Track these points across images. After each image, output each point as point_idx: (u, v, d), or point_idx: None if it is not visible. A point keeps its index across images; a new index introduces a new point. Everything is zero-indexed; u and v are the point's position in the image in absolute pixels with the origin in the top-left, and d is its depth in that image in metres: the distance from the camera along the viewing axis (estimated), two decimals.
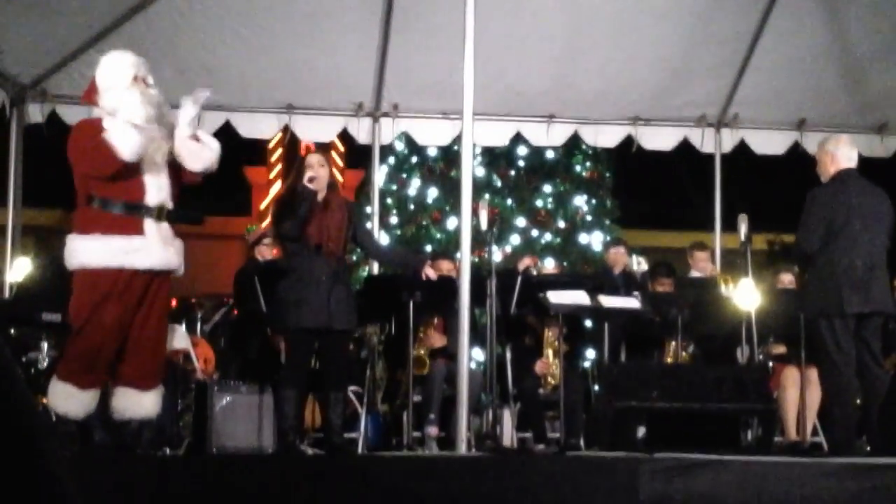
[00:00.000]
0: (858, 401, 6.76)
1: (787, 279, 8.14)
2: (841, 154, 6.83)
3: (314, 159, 6.64)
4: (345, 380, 6.85)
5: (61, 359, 5.75)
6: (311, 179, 6.46)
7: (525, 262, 8.70)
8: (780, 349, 8.01)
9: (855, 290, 6.53)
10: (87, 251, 5.47)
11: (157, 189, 5.62)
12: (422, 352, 7.64)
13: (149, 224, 5.58)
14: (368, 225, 9.92)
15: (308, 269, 6.47)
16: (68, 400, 5.45)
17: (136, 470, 5.09)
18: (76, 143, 5.57)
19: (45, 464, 1.75)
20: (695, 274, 9.17)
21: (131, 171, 5.52)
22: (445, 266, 8.28)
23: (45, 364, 6.82)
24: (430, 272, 6.83)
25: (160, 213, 5.63)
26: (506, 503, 4.87)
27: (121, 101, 5.55)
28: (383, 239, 12.38)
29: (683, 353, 7.89)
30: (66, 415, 5.50)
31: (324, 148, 11.09)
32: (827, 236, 6.61)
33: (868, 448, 6.98)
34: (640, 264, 8.56)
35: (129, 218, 5.55)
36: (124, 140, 5.41)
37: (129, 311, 5.53)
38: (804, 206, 6.78)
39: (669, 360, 7.98)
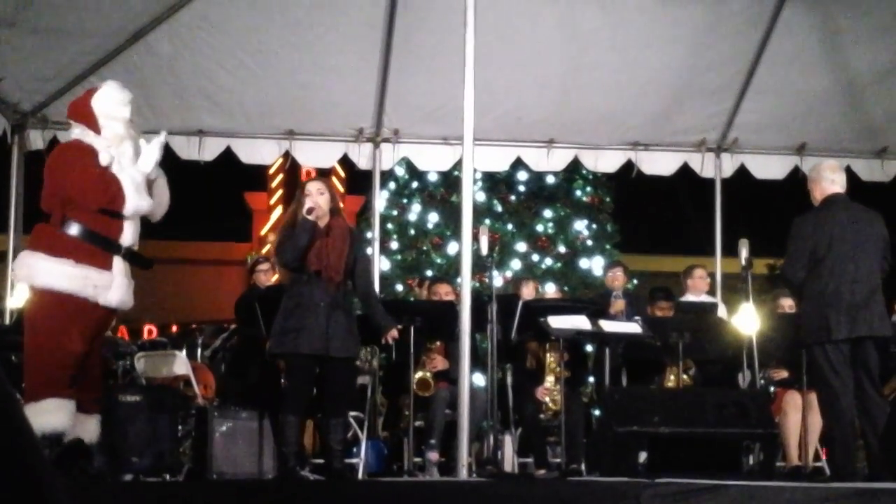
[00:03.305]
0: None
1: (787, 304, 8.13)
2: (824, 179, 6.83)
3: (313, 187, 6.64)
4: (345, 406, 6.83)
5: (26, 383, 5.63)
6: (309, 211, 6.46)
7: (530, 290, 8.69)
8: (782, 374, 7.99)
9: (843, 316, 6.50)
10: (58, 275, 5.49)
11: (131, 231, 5.75)
12: (427, 374, 7.63)
13: (117, 262, 5.68)
14: (369, 250, 9.97)
15: (307, 296, 6.46)
16: (44, 415, 5.34)
17: (136, 496, 5.07)
18: (72, 165, 5.61)
19: (49, 497, 1.74)
20: (691, 297, 9.14)
21: (116, 211, 5.66)
22: (444, 290, 8.28)
23: None
24: (390, 338, 6.82)
25: (125, 253, 5.73)
26: None
27: (145, 154, 5.74)
28: (384, 264, 12.39)
29: (684, 377, 7.86)
30: (49, 430, 5.37)
31: (324, 174, 11.16)
32: (812, 264, 6.61)
33: (868, 473, 6.96)
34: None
35: (101, 252, 5.64)
36: (134, 197, 5.63)
37: (88, 341, 5.63)
38: (789, 235, 6.79)
39: (670, 384, 7.96)
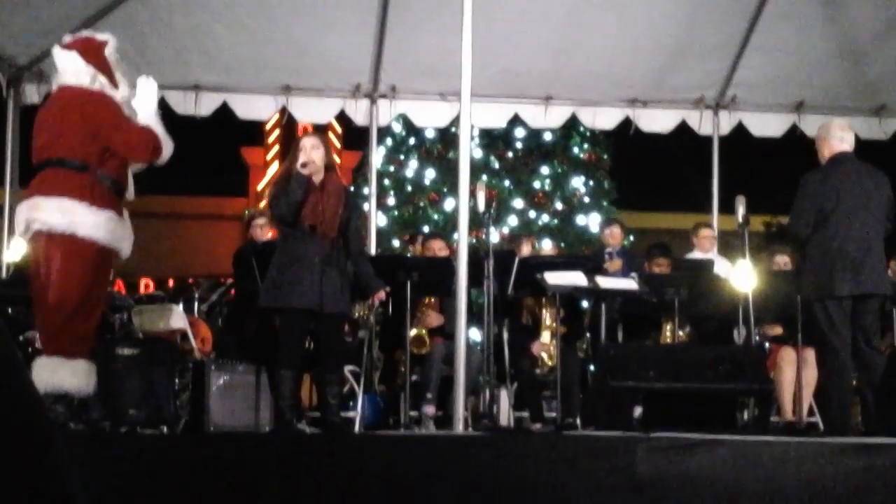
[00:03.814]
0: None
1: (782, 261, 8.15)
2: (832, 138, 6.86)
3: (308, 142, 6.62)
4: (340, 361, 6.85)
5: (48, 333, 5.55)
6: (304, 165, 6.45)
7: (526, 248, 8.69)
8: (777, 330, 8.02)
9: (847, 272, 6.56)
10: (102, 228, 5.40)
11: (131, 181, 5.73)
12: (423, 331, 7.65)
13: (125, 212, 5.67)
14: (366, 206, 9.95)
15: (301, 251, 6.46)
16: (58, 372, 5.34)
17: (133, 448, 5.09)
18: (114, 118, 5.52)
19: (47, 451, 1.75)
20: (696, 254, 9.18)
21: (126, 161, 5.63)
22: (437, 246, 8.29)
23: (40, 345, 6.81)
24: (377, 300, 6.86)
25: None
26: (502, 482, 4.88)
27: (142, 97, 5.67)
28: (380, 220, 12.39)
29: (680, 334, 7.89)
30: (59, 389, 5.35)
31: (320, 130, 11.13)
32: (818, 221, 6.64)
33: (863, 429, 7.01)
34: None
35: (120, 202, 5.62)
36: (167, 143, 5.61)
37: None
38: (797, 191, 6.81)
39: (666, 341, 7.99)
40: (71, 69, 5.56)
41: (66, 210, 5.34)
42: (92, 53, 5.62)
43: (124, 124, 5.55)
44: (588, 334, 8.75)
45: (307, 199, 6.47)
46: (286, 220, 6.52)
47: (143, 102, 5.70)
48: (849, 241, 6.60)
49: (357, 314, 8.22)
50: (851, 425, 6.68)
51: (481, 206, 7.03)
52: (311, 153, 6.54)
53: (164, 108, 6.04)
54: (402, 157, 14.03)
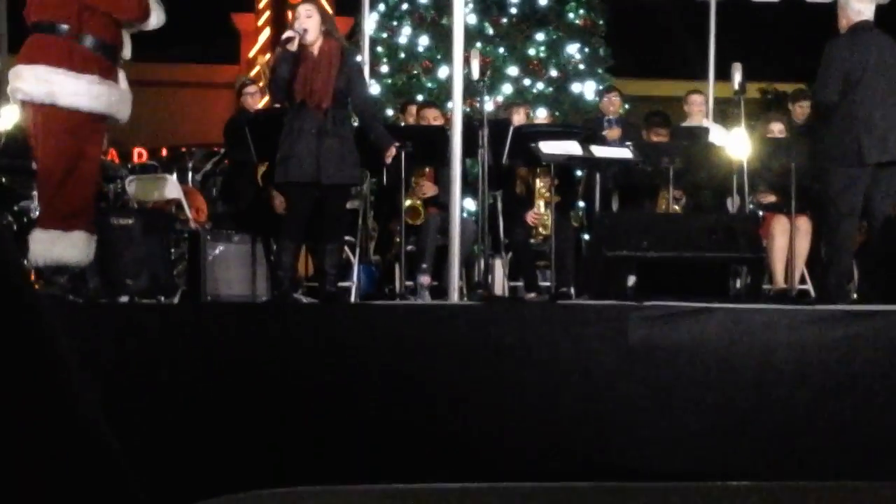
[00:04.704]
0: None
1: (777, 128, 8.12)
2: (851, 8, 6.82)
3: (302, 10, 6.55)
4: (341, 232, 6.87)
5: (42, 205, 5.57)
6: (287, 40, 6.39)
7: (521, 116, 8.61)
8: (770, 198, 8.03)
9: (874, 140, 6.61)
10: (84, 93, 5.27)
11: (128, 40, 5.57)
12: (417, 203, 7.64)
13: (120, 73, 5.53)
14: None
15: (297, 125, 6.43)
16: (55, 245, 5.31)
17: (130, 318, 5.14)
18: None
19: (31, 316, 1.76)
20: (688, 122, 9.14)
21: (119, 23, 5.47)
22: (432, 115, 8.23)
23: (37, 212, 6.80)
24: (389, 157, 6.80)
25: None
26: (497, 350, 4.94)
27: None
28: (374, 88, 12.26)
29: (675, 206, 7.90)
30: (58, 262, 5.36)
31: None
32: (843, 88, 6.64)
33: (854, 296, 7.10)
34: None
35: (112, 66, 5.46)
36: (158, 10, 5.47)
37: None
38: (822, 58, 6.79)
39: (661, 209, 8.00)
40: None
41: (43, 79, 5.23)
42: None
43: None
44: (582, 203, 8.75)
45: (297, 72, 6.41)
46: (279, 98, 6.49)
47: None
48: (876, 109, 6.63)
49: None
50: (847, 295, 6.77)
51: (475, 74, 6.97)
52: (304, 22, 6.46)
53: None
54: (394, 23, 13.82)
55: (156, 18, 5.53)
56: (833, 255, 6.79)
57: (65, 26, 5.29)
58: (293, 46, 6.40)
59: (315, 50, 6.50)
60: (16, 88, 5.32)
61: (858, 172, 6.63)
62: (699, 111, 9.23)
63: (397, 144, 6.86)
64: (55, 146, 5.30)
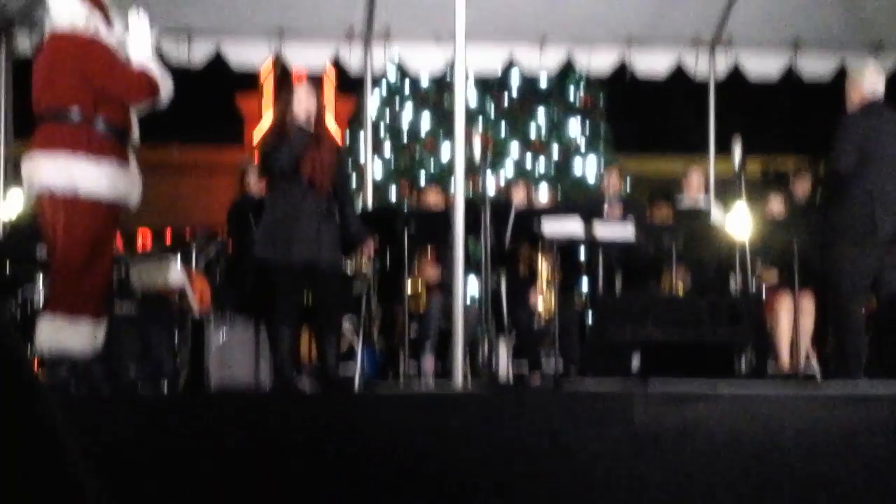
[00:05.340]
0: None
1: (776, 205, 8.14)
2: (867, 84, 6.87)
3: (302, 92, 6.57)
4: (338, 317, 6.86)
5: (53, 292, 5.49)
6: (305, 116, 6.42)
7: (522, 193, 8.64)
8: (773, 276, 8.03)
9: (888, 214, 6.60)
10: (103, 180, 5.23)
11: (136, 125, 5.56)
12: (419, 289, 7.64)
13: (131, 157, 5.50)
14: (362, 154, 9.88)
15: (298, 204, 6.41)
16: (60, 333, 5.24)
17: (132, 408, 5.11)
18: (105, 59, 5.35)
19: (32, 404, 1.75)
20: (685, 198, 9.17)
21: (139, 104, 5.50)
22: (433, 196, 8.25)
23: (42, 301, 6.80)
24: (367, 250, 6.88)
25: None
26: (502, 437, 4.91)
27: (136, 35, 5.47)
28: (377, 168, 12.35)
29: (679, 283, 7.89)
30: (63, 352, 5.29)
31: (313, 79, 11.02)
32: (858, 161, 6.65)
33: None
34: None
35: (125, 150, 5.44)
36: (167, 88, 5.44)
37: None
38: (837, 130, 6.79)
39: (664, 288, 8.00)
40: (65, 9, 5.35)
41: (64, 167, 5.19)
42: None
43: (117, 66, 5.37)
44: (585, 282, 8.75)
45: (305, 153, 6.42)
46: (286, 173, 6.44)
47: (136, 42, 5.49)
48: (890, 183, 6.64)
49: (353, 266, 8.21)
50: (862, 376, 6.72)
51: (477, 154, 6.99)
52: (307, 104, 6.50)
53: (158, 57, 5.90)
54: (397, 103, 13.96)
55: (166, 95, 5.51)
56: (845, 337, 6.70)
57: (77, 112, 5.26)
58: (309, 126, 6.44)
59: (315, 133, 6.53)
60: (33, 179, 5.29)
61: (871, 248, 6.61)
62: (699, 188, 9.25)
63: (375, 237, 6.87)
64: (76, 237, 5.25)
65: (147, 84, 5.41)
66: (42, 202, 5.33)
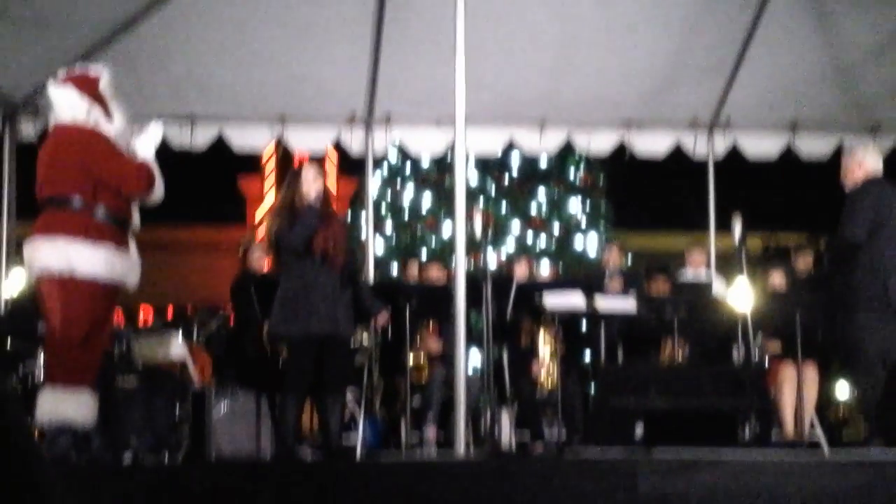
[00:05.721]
0: None
1: (777, 279, 8.17)
2: (870, 162, 7.06)
3: (310, 173, 6.68)
4: (344, 384, 6.88)
5: (52, 366, 5.61)
6: (314, 195, 6.53)
7: (524, 268, 8.68)
8: (776, 346, 8.03)
9: None
10: (101, 263, 5.42)
11: (136, 212, 5.76)
12: (421, 359, 7.66)
13: (132, 243, 5.71)
14: (363, 233, 9.93)
15: (314, 279, 6.49)
16: (62, 404, 5.36)
17: (134, 479, 5.08)
18: (104, 151, 5.56)
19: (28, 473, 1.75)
20: (689, 273, 9.21)
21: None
22: (435, 273, 8.30)
23: (43, 376, 6.80)
24: (381, 320, 6.99)
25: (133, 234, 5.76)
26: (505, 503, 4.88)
27: (145, 139, 5.76)
28: (378, 245, 12.40)
29: (680, 354, 7.89)
30: (64, 422, 5.38)
31: (316, 160, 11.14)
32: (870, 231, 6.74)
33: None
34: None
35: (124, 235, 5.64)
36: (160, 184, 5.67)
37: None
38: (848, 201, 6.92)
39: (665, 359, 7.99)
40: (66, 104, 5.63)
41: (62, 251, 5.40)
42: (87, 86, 5.68)
43: (116, 157, 5.60)
44: (588, 352, 8.74)
45: (317, 229, 6.53)
46: (298, 251, 6.53)
47: (145, 143, 5.77)
48: None
49: (355, 339, 8.22)
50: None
51: (478, 231, 7.05)
52: (314, 184, 6.61)
53: (161, 141, 6.04)
54: (398, 184, 14.06)
55: (159, 193, 5.71)
56: (869, 399, 6.73)
57: (79, 200, 5.47)
58: (318, 205, 6.54)
59: (326, 209, 6.64)
60: (33, 262, 5.48)
61: (885, 316, 6.66)
62: (700, 263, 9.31)
63: (389, 308, 6.94)
64: (72, 316, 5.41)
65: (145, 176, 5.64)
66: (41, 283, 5.52)
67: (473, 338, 7.43)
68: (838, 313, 7.01)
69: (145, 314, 13.61)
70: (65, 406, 5.38)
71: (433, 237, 13.51)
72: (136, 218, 5.75)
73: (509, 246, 13.40)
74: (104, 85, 5.72)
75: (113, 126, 5.66)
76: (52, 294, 5.44)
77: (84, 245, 5.40)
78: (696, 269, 9.24)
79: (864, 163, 7.04)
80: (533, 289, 7.54)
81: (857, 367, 6.88)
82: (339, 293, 6.54)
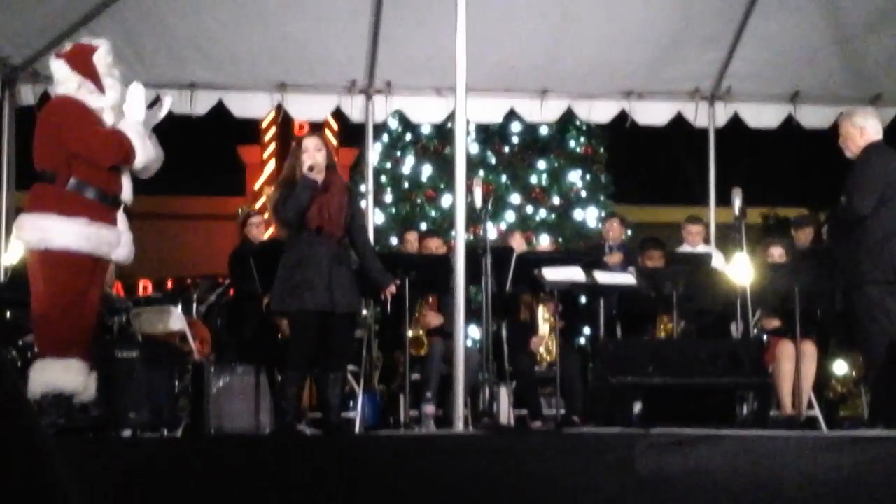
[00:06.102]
0: None
1: (777, 253, 8.14)
2: (870, 127, 6.91)
3: (311, 143, 6.60)
4: (345, 361, 6.86)
5: (38, 338, 5.74)
6: (311, 168, 6.44)
7: (518, 242, 8.66)
8: (775, 323, 8.01)
9: None
10: (75, 235, 5.47)
11: (129, 185, 5.79)
12: (420, 332, 7.65)
13: (120, 217, 5.73)
14: (363, 203, 9.92)
15: (309, 253, 6.45)
16: (48, 370, 5.43)
17: (133, 452, 5.09)
18: (78, 124, 5.58)
19: (38, 458, 1.75)
20: (686, 248, 9.19)
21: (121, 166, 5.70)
22: (434, 244, 8.28)
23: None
24: (388, 293, 6.85)
25: (124, 207, 5.78)
26: (503, 480, 4.88)
27: (131, 103, 5.72)
28: (377, 217, 12.38)
29: (678, 329, 7.88)
30: (52, 388, 5.44)
31: (317, 128, 11.09)
32: (878, 202, 6.65)
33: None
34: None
35: (107, 208, 5.66)
36: (143, 149, 5.65)
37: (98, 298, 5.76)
38: (855, 170, 6.79)
39: (663, 335, 7.98)
40: (59, 77, 5.70)
41: (37, 226, 5.49)
42: (80, 60, 5.69)
43: (87, 127, 5.59)
44: (587, 329, 8.74)
45: (313, 201, 6.46)
46: (293, 224, 6.50)
47: (130, 109, 5.74)
48: None
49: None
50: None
51: (478, 202, 7.03)
52: (315, 155, 6.53)
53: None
54: (398, 153, 14.02)
55: (144, 161, 5.66)
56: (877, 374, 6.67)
57: (53, 174, 5.54)
58: (318, 176, 6.47)
59: (322, 181, 6.56)
60: (18, 237, 5.65)
61: (892, 289, 6.59)
62: (696, 238, 9.28)
63: (398, 282, 6.89)
64: (50, 289, 5.50)
65: (116, 144, 5.61)
66: (26, 257, 5.69)
67: (472, 312, 7.42)
68: (843, 286, 6.96)
69: (144, 290, 13.61)
70: (53, 374, 5.45)
71: (433, 209, 13.47)
72: (126, 190, 5.75)
73: (509, 217, 13.36)
74: (98, 56, 5.71)
75: (105, 99, 5.68)
76: (34, 268, 5.57)
77: (57, 218, 5.47)
78: (694, 245, 9.21)
79: (866, 129, 6.90)
80: (532, 261, 7.51)
81: (865, 342, 6.83)
82: (337, 266, 6.47)
